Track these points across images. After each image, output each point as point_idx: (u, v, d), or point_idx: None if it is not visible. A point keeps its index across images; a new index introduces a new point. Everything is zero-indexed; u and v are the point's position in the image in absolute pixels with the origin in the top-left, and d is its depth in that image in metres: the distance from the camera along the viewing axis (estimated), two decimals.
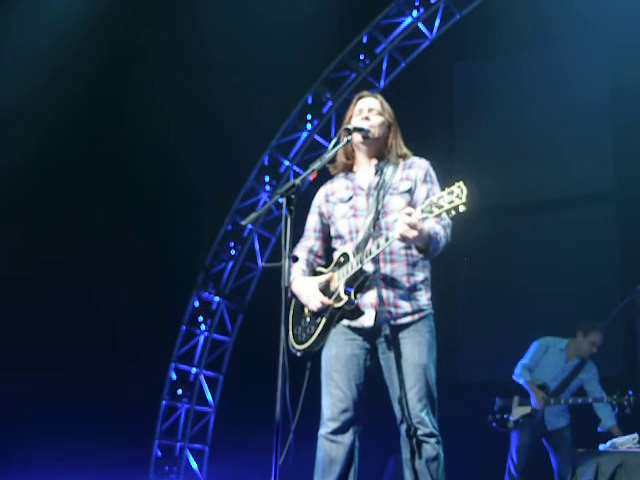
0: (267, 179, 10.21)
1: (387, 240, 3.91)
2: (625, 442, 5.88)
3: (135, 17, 8.85)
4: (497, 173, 9.31)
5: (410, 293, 4.09)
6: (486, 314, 8.21)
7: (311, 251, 4.36)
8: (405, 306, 4.06)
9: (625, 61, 8.77)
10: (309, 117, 10.12)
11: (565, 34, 9.18)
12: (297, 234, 4.33)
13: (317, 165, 4.02)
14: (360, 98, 4.41)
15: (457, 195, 3.67)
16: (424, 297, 4.14)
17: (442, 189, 3.77)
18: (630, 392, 6.82)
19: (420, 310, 4.10)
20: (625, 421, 6.65)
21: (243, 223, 4.26)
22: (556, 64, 9.43)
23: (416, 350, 4.02)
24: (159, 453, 9.93)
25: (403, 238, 3.81)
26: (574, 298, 8.66)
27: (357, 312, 4.07)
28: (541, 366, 7.48)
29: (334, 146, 4.19)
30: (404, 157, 4.31)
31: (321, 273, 4.24)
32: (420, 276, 4.13)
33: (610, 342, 8.19)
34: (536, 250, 8.96)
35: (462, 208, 3.67)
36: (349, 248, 4.12)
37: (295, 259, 4.19)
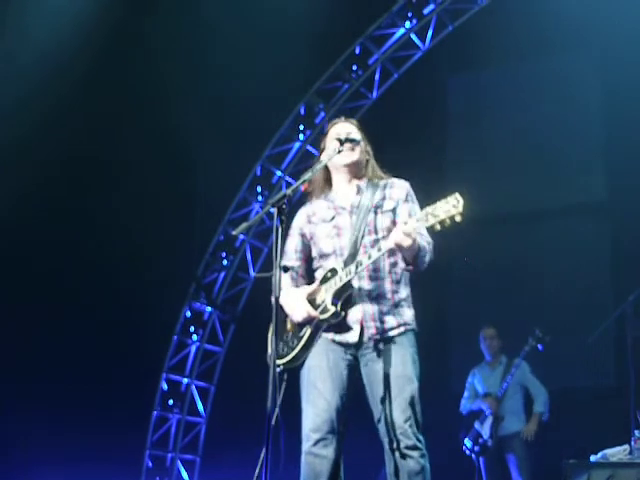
0: (259, 189, 10.21)
1: (380, 250, 3.91)
2: (616, 453, 5.86)
3: (123, 27, 8.85)
4: (490, 183, 9.31)
5: (395, 309, 4.08)
6: (478, 323, 8.21)
7: (292, 270, 4.28)
8: (390, 321, 4.06)
9: (617, 72, 8.81)
10: (301, 128, 10.14)
11: (558, 45, 9.21)
12: None
13: (308, 175, 4.03)
14: (334, 125, 4.37)
15: (453, 205, 3.68)
16: (408, 313, 4.13)
17: (435, 201, 3.76)
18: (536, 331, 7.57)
19: (405, 324, 4.09)
20: (616, 432, 6.64)
21: (234, 233, 4.24)
22: (549, 75, 9.46)
23: (399, 362, 4.00)
24: (150, 464, 9.89)
25: (398, 246, 3.82)
26: (566, 309, 8.67)
27: (343, 326, 4.05)
28: (478, 389, 7.94)
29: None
30: (381, 178, 4.30)
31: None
32: (403, 293, 4.14)
33: (602, 352, 8.22)
34: (528, 260, 8.98)
35: (458, 218, 3.68)
36: (337, 264, 4.08)
37: (285, 269, 4.17)
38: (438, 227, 3.76)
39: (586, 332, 7.32)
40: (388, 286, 4.09)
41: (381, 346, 4.02)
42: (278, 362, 4.09)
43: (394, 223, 4.11)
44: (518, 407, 7.74)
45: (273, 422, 3.56)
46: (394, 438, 3.91)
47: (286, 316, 4.17)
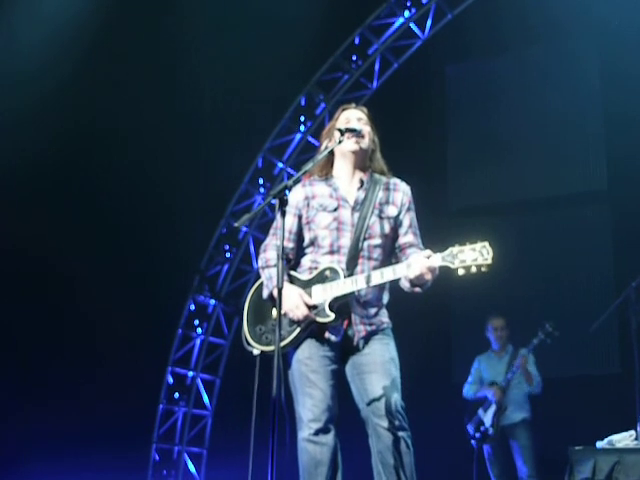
0: (261, 181, 10.23)
1: (394, 273, 3.93)
2: (622, 439, 5.86)
3: (118, 21, 8.83)
4: (489, 172, 9.32)
5: (379, 311, 4.16)
6: (480, 313, 8.21)
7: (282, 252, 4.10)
8: (376, 322, 4.12)
9: (618, 61, 8.78)
10: (302, 119, 10.14)
11: (557, 34, 9.21)
12: None
13: (309, 166, 4.01)
14: (344, 110, 4.35)
15: (483, 255, 3.76)
16: (386, 313, 4.21)
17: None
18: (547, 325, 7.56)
19: (387, 322, 4.17)
20: (622, 417, 6.65)
21: (236, 225, 4.21)
22: (548, 64, 9.45)
23: (385, 348, 4.08)
24: (157, 457, 9.92)
25: (417, 278, 3.86)
26: (568, 297, 8.69)
27: (336, 329, 4.07)
28: (484, 376, 7.94)
29: (325, 147, 4.17)
30: (384, 174, 4.29)
31: (297, 279, 4.15)
32: (385, 299, 4.22)
33: (605, 340, 8.23)
34: (529, 250, 8.96)
35: (485, 269, 3.73)
36: (335, 263, 4.07)
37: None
38: (462, 272, 3.81)
39: (590, 319, 7.33)
40: (377, 293, 4.14)
41: (367, 341, 4.08)
42: (261, 348, 4.16)
43: (394, 230, 4.16)
44: (522, 397, 7.76)
45: (278, 412, 3.57)
46: (393, 418, 3.93)
47: (264, 299, 4.18)
